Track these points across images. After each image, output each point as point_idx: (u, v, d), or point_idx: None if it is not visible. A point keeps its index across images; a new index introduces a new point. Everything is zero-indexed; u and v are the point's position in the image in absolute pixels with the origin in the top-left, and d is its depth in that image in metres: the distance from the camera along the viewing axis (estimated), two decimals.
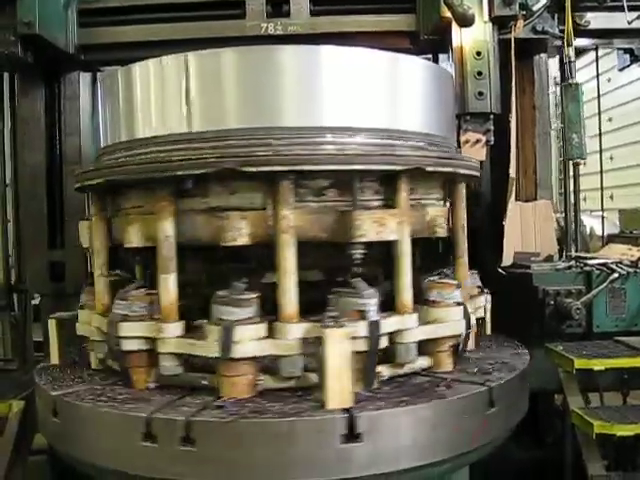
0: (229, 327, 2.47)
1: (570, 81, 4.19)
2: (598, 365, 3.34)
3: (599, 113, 5.56)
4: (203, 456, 2.31)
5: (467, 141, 3.88)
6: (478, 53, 3.83)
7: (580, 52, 5.48)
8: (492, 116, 3.88)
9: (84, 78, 4.57)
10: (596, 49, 5.16)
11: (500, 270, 4.06)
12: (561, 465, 4.04)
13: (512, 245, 4.14)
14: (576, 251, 4.63)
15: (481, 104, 3.84)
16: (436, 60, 4.59)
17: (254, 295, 2.57)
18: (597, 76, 5.39)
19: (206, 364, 2.62)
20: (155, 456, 2.37)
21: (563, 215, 5.23)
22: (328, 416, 2.34)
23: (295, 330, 2.53)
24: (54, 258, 4.53)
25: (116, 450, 2.47)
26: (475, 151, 3.86)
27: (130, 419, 2.42)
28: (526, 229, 4.42)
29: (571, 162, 4.39)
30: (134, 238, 2.80)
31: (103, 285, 2.99)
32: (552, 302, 3.86)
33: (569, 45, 4.08)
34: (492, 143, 3.93)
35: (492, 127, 3.90)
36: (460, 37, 3.85)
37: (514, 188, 4.10)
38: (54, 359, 3.27)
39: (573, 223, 4.84)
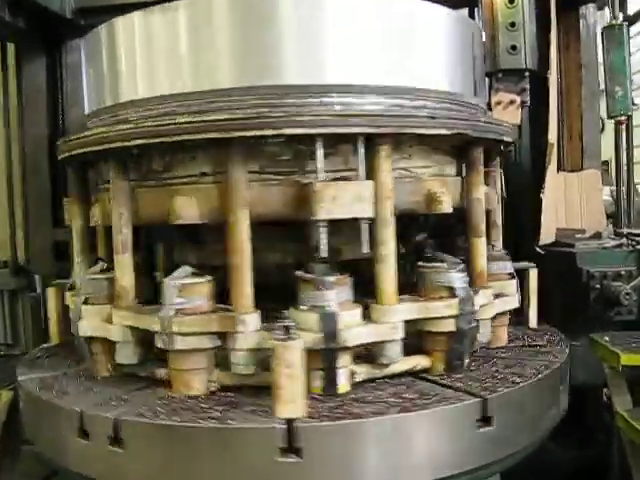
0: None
1: (613, 22, 3.61)
2: None
3: None
4: None
5: (499, 102, 3.41)
6: (511, 1, 3.35)
7: None
8: (527, 73, 3.40)
9: None
10: None
11: (538, 249, 3.58)
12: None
13: (552, 220, 3.66)
14: (629, 227, 4.09)
15: (514, 60, 3.37)
16: (472, 16, 4.10)
17: None
18: None
19: None
20: None
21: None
22: None
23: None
24: (59, 237, 4.28)
25: None
26: (508, 113, 3.40)
27: None
28: (571, 203, 3.94)
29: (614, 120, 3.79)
30: None
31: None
32: (598, 286, 3.39)
33: None
34: (528, 104, 3.44)
35: (528, 86, 3.42)
36: None
37: (554, 156, 3.60)
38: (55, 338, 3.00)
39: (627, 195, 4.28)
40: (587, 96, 3.93)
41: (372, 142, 2.23)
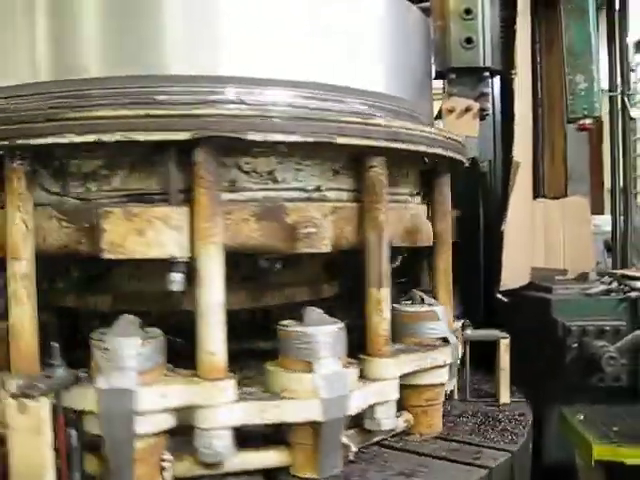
0: None
1: None
2: (632, 457, 2.10)
3: None
4: None
5: (452, 110, 2.69)
6: None
7: None
8: (488, 73, 2.69)
9: None
10: None
11: (499, 295, 2.85)
12: None
13: (523, 259, 2.95)
14: (623, 267, 3.34)
15: (470, 55, 2.67)
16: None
17: None
18: None
19: None
20: None
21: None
22: None
23: None
24: None
25: None
26: (463, 123, 2.68)
27: None
28: (552, 237, 3.23)
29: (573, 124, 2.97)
30: None
31: None
32: (575, 345, 2.66)
33: None
34: (488, 113, 2.73)
35: (489, 89, 2.71)
36: None
37: (529, 179, 2.90)
38: None
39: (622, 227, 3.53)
40: None
41: None
